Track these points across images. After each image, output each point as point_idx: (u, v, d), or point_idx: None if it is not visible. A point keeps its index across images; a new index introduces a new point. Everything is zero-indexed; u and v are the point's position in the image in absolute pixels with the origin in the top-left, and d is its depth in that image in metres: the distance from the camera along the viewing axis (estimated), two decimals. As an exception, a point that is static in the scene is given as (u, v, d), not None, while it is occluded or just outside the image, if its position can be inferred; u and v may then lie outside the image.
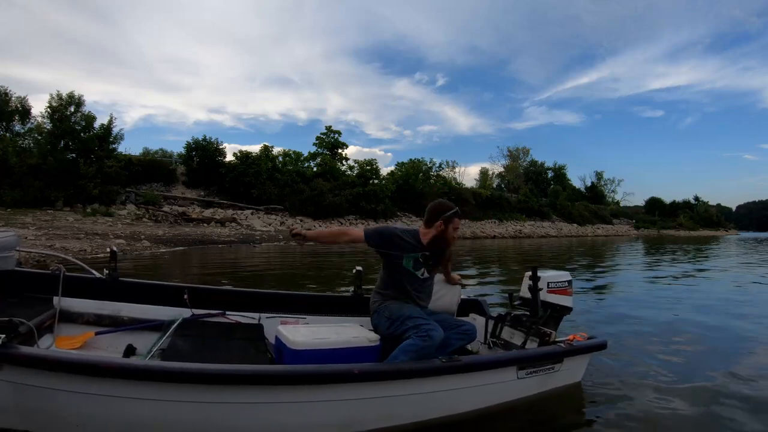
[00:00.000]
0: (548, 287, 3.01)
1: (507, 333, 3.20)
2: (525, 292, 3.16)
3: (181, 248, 14.99)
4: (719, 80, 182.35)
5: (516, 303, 3.24)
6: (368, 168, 34.56)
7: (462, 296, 3.48)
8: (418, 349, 2.44)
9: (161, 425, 1.95)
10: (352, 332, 2.63)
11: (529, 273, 3.07)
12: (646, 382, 3.19)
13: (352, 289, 3.48)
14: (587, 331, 3.26)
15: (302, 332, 2.53)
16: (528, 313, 3.09)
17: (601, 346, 3.05)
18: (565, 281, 3.12)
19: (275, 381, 2.04)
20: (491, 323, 3.33)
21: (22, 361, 1.81)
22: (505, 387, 2.63)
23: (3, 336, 1.78)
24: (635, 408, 2.76)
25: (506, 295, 3.14)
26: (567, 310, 3.16)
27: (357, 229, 2.76)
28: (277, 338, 2.59)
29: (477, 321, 3.47)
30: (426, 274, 2.81)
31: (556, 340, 2.89)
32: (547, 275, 3.06)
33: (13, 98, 24.57)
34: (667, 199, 80.00)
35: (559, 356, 2.79)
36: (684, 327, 4.93)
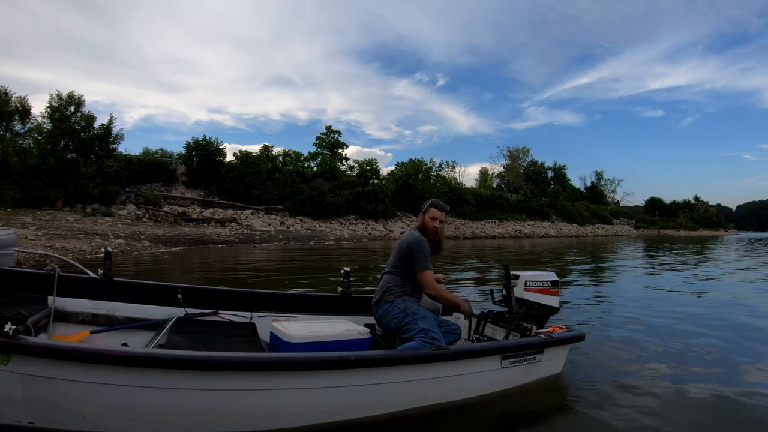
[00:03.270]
0: (526, 285, 3.15)
1: (489, 330, 3.31)
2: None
3: (181, 248, 15.10)
4: (719, 80, 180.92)
5: (497, 300, 3.35)
6: (368, 168, 34.62)
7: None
8: None
9: (167, 412, 2.04)
10: (343, 326, 2.76)
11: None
12: (624, 377, 3.27)
13: (340, 288, 3.57)
14: (575, 327, 3.36)
15: (296, 327, 2.65)
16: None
17: (579, 338, 3.17)
18: (547, 281, 3.22)
19: (278, 367, 2.15)
20: (474, 320, 3.43)
21: (34, 351, 1.84)
22: (490, 375, 2.76)
23: (14, 327, 1.81)
24: (611, 400, 2.86)
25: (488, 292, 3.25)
26: (551, 309, 3.25)
27: (429, 275, 2.90)
28: (272, 333, 2.70)
29: (461, 319, 3.57)
30: None
31: (537, 332, 3.00)
32: (527, 274, 3.18)
33: (13, 98, 24.79)
34: (667, 199, 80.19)
35: (539, 346, 2.93)
36: (670, 327, 4.98)
